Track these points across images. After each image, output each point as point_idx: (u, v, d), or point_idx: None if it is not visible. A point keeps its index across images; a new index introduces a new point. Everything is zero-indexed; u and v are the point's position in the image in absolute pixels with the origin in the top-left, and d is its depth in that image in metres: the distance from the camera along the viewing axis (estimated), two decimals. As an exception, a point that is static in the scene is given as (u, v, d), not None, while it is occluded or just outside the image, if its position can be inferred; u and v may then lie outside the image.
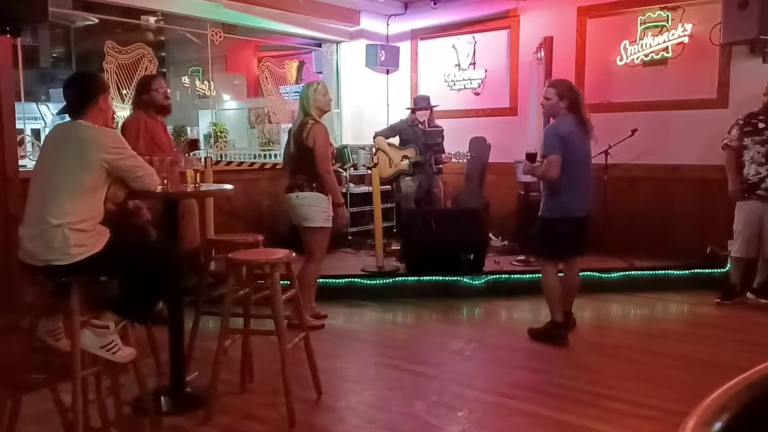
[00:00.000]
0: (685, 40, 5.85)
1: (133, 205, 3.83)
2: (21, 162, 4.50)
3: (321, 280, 4.64)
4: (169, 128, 5.07)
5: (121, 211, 3.63)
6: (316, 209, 4.25)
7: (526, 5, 6.76)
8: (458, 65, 7.38)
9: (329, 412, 3.12)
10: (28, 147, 5.18)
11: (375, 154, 6.23)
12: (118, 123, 4.85)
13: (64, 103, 2.81)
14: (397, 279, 5.38)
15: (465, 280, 5.32)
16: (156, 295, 2.96)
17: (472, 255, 5.33)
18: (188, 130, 7.79)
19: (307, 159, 4.19)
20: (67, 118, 2.80)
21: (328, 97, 4.32)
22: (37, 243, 2.57)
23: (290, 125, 8.09)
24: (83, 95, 2.77)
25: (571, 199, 3.93)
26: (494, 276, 5.41)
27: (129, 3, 5.54)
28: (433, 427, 2.94)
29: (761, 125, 4.83)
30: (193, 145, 4.31)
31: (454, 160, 6.15)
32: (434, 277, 5.34)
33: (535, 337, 4.09)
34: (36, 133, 7.29)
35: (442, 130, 6.13)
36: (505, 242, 6.51)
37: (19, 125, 4.68)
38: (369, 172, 6.36)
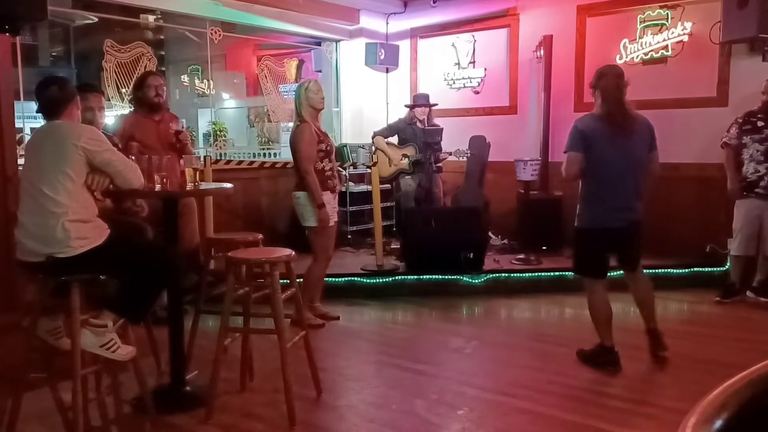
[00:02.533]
0: (685, 38, 5.85)
1: (138, 204, 3.83)
2: (21, 161, 4.49)
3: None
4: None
5: (120, 210, 3.63)
6: (308, 209, 4.26)
7: (525, 4, 6.76)
8: (458, 64, 7.38)
9: (329, 411, 3.12)
10: (28, 146, 5.17)
11: (374, 153, 6.24)
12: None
13: (39, 104, 2.83)
14: (396, 278, 5.38)
15: (465, 278, 5.32)
16: (154, 293, 2.96)
17: (471, 254, 5.33)
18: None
19: (296, 160, 4.28)
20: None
21: (320, 95, 4.30)
22: (38, 238, 2.59)
23: (290, 123, 8.11)
24: (62, 97, 2.81)
25: (601, 207, 3.50)
26: (494, 275, 5.41)
27: (128, 2, 5.53)
28: (434, 425, 2.94)
29: (760, 123, 4.83)
30: (176, 137, 4.30)
31: (452, 158, 6.15)
32: (434, 276, 5.35)
33: (584, 359, 3.67)
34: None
35: (441, 129, 6.13)
36: (505, 241, 6.51)
37: (18, 124, 4.67)
38: (369, 170, 6.36)
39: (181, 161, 4.02)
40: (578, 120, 3.55)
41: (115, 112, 5.62)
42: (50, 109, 2.80)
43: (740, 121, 4.97)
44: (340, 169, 6.76)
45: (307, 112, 4.27)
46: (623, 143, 3.43)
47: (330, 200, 4.32)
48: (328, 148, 4.35)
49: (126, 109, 5.58)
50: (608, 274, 3.65)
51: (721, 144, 5.09)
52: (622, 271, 3.80)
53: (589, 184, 3.55)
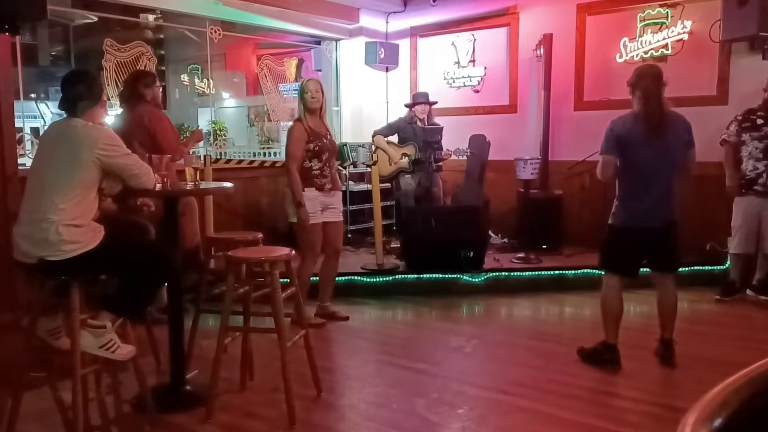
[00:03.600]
0: (685, 37, 5.85)
1: (142, 202, 3.82)
2: (20, 160, 4.49)
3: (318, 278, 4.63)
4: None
5: (123, 208, 3.63)
6: (292, 205, 4.27)
7: (525, 2, 6.76)
8: (458, 63, 7.37)
9: (329, 410, 3.12)
10: (28, 145, 5.19)
11: (374, 152, 6.24)
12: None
13: (63, 98, 2.79)
14: (396, 276, 5.38)
15: (465, 277, 5.32)
16: (150, 292, 2.95)
17: (471, 252, 5.33)
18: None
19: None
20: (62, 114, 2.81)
21: (311, 94, 4.28)
22: (31, 240, 2.58)
23: (290, 123, 8.10)
24: (88, 97, 2.77)
25: (637, 206, 3.46)
26: (494, 273, 5.41)
27: (128, 1, 5.53)
28: (434, 424, 2.94)
29: (760, 121, 4.84)
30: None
31: (453, 156, 6.15)
32: (434, 275, 5.34)
33: (584, 357, 3.67)
34: (35, 131, 7.29)
35: (441, 128, 6.13)
36: (505, 240, 6.51)
37: (18, 123, 4.67)
38: (369, 169, 6.36)
39: (181, 160, 4.03)
40: (613, 121, 3.49)
41: (114, 111, 5.62)
42: (73, 106, 2.75)
43: (740, 118, 4.97)
44: (339, 168, 6.76)
45: (303, 112, 4.30)
46: (660, 143, 3.39)
47: (316, 197, 4.30)
48: (317, 149, 4.30)
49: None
50: (637, 274, 3.61)
51: (720, 141, 5.10)
52: (650, 270, 3.73)
53: (626, 183, 3.50)
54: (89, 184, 2.65)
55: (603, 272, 3.69)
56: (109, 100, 5.25)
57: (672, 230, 3.55)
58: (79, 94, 2.75)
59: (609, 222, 3.63)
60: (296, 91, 4.52)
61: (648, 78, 3.45)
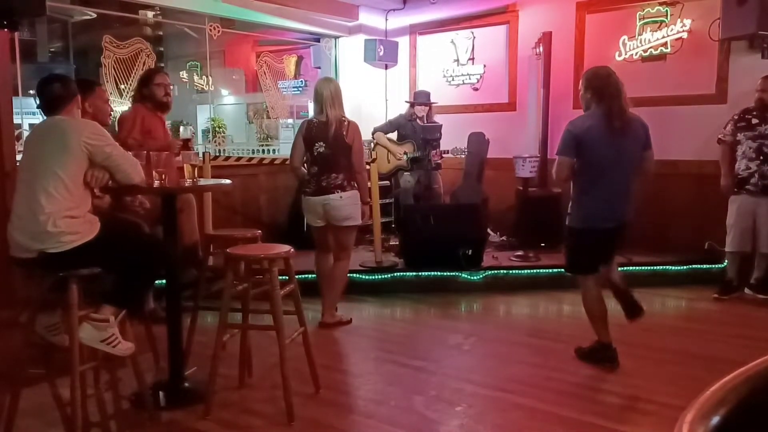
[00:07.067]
0: (684, 35, 5.85)
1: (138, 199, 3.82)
2: (18, 157, 4.49)
3: (316, 275, 4.62)
4: (168, 123, 5.03)
5: (118, 206, 3.62)
6: (357, 207, 4.27)
7: (525, 0, 6.76)
8: (457, 60, 7.36)
9: (328, 407, 3.12)
10: (26, 142, 5.17)
11: (373, 150, 6.23)
12: (115, 118, 4.81)
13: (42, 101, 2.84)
14: (395, 274, 5.38)
15: (463, 275, 5.32)
16: (148, 282, 2.97)
17: (470, 250, 5.33)
18: (181, 130, 7.83)
19: (347, 157, 4.22)
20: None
21: None
22: (29, 234, 2.59)
23: (289, 120, 8.05)
24: (65, 94, 2.82)
25: (592, 206, 3.47)
26: (492, 271, 5.42)
27: (127, -3, 5.52)
28: (432, 421, 2.95)
29: (754, 121, 4.87)
30: (186, 145, 4.32)
31: (449, 155, 6.15)
32: (433, 273, 5.35)
33: (583, 356, 3.67)
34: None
35: (440, 126, 6.13)
36: (504, 238, 6.51)
37: (16, 120, 4.67)
38: (367, 167, 6.35)
39: (179, 157, 4.02)
40: (571, 122, 3.50)
41: (114, 108, 5.61)
42: (51, 105, 2.80)
43: (736, 117, 5.00)
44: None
45: (342, 111, 4.34)
46: (618, 143, 3.38)
47: (359, 198, 4.37)
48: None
49: (125, 105, 5.57)
50: (599, 269, 3.64)
51: (717, 140, 5.13)
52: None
53: (582, 183, 3.52)
54: (79, 172, 2.67)
55: (574, 275, 3.68)
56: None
57: (624, 230, 3.58)
58: (55, 92, 2.81)
59: (566, 224, 3.63)
60: (295, 89, 4.52)
61: (614, 78, 3.47)
